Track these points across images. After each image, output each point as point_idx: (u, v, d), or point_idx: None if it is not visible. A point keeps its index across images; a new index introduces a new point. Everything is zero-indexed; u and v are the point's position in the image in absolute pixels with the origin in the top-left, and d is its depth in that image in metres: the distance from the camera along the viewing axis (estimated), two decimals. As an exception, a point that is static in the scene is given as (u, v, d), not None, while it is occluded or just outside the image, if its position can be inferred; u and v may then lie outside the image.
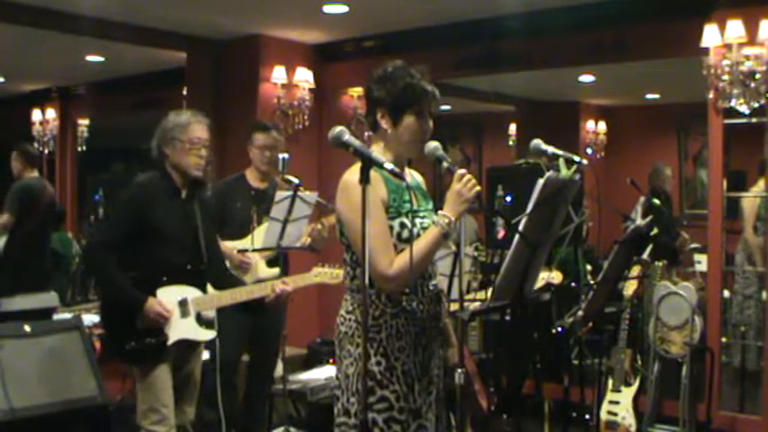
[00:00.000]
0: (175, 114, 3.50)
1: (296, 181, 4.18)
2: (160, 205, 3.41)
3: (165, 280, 3.38)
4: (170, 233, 3.40)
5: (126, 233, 3.35)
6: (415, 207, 2.55)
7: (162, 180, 3.47)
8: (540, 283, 4.25)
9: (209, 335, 3.51)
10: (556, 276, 4.46)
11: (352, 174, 2.44)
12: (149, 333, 3.34)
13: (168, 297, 3.38)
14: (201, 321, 3.46)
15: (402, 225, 2.49)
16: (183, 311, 3.39)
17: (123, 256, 3.33)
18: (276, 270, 4.37)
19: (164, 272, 3.38)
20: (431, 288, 2.59)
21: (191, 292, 3.43)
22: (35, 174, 6.46)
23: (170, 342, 3.37)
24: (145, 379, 3.37)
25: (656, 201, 5.79)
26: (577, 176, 2.93)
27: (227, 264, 4.38)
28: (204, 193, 3.68)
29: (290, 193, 4.16)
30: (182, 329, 3.39)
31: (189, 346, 3.51)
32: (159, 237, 3.37)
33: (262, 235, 4.30)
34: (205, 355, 4.12)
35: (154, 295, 3.35)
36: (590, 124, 8.54)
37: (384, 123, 2.56)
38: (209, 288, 3.53)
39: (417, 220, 2.53)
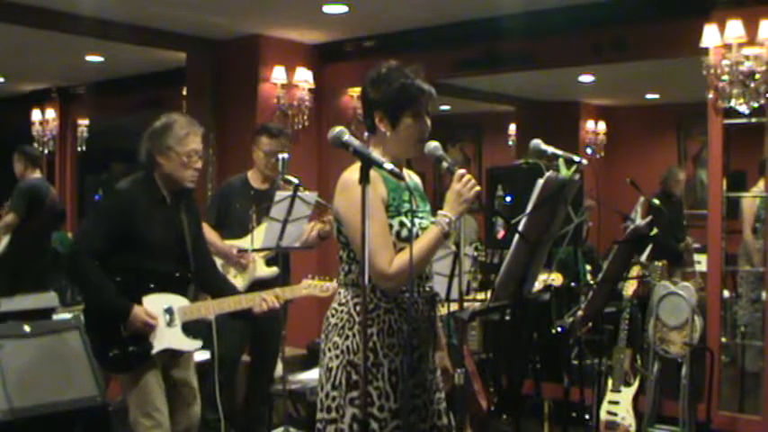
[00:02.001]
0: (170, 120, 3.35)
1: (296, 181, 4.17)
2: (144, 213, 3.30)
3: (151, 287, 3.29)
4: (155, 241, 3.30)
5: (109, 241, 3.24)
6: (413, 207, 2.53)
7: (146, 186, 3.36)
8: (539, 285, 4.26)
9: (194, 345, 3.41)
10: (556, 278, 4.47)
11: (352, 172, 2.42)
12: (133, 341, 3.25)
13: (154, 305, 3.28)
14: (188, 331, 3.35)
15: (401, 224, 2.47)
16: (168, 320, 3.30)
17: (106, 263, 3.23)
18: (274, 269, 4.37)
19: (149, 280, 3.30)
20: (427, 289, 2.58)
21: (177, 301, 3.34)
22: (38, 174, 6.46)
23: (154, 351, 3.27)
24: (134, 385, 3.29)
25: (656, 201, 5.79)
26: (577, 176, 2.93)
27: (225, 260, 4.40)
28: (191, 199, 3.53)
29: (289, 193, 4.15)
30: (167, 339, 3.29)
31: (174, 354, 3.41)
32: (143, 245, 3.27)
33: (261, 235, 4.29)
34: (205, 354, 4.13)
35: (140, 303, 3.25)
36: (590, 124, 8.55)
37: (382, 126, 2.53)
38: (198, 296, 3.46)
39: (416, 220, 2.51)
